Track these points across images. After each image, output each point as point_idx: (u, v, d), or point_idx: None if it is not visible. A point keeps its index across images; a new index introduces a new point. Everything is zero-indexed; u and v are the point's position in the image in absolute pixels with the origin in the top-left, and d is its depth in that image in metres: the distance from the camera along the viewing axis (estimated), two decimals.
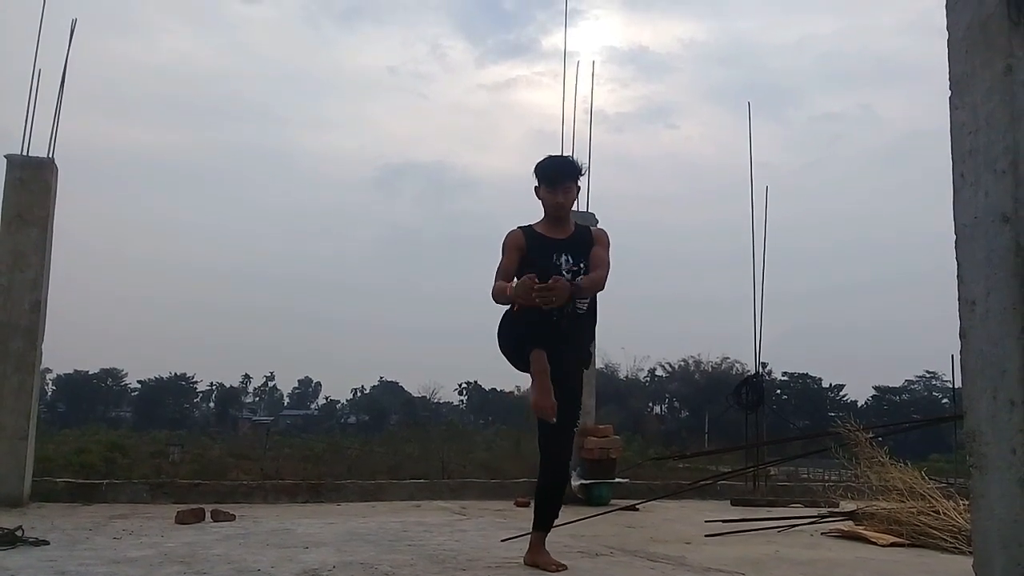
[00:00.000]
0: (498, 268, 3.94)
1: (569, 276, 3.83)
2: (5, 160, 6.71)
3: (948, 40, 2.53)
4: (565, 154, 4.25)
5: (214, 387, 77.64)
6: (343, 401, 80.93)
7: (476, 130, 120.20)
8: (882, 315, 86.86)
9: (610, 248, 4.09)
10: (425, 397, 67.61)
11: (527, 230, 4.05)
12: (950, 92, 2.52)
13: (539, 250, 3.94)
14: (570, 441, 4.19)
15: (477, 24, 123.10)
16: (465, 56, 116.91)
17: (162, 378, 75.17)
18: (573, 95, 8.85)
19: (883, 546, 5.13)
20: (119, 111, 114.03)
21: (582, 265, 3.92)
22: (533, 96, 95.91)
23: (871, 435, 6.42)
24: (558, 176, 3.99)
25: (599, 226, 4.42)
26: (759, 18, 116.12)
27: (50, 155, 6.84)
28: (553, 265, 3.88)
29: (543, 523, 4.04)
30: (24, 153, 6.75)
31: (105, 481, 7.59)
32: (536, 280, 3.56)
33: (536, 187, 4.06)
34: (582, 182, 4.09)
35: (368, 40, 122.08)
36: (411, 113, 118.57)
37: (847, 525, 5.92)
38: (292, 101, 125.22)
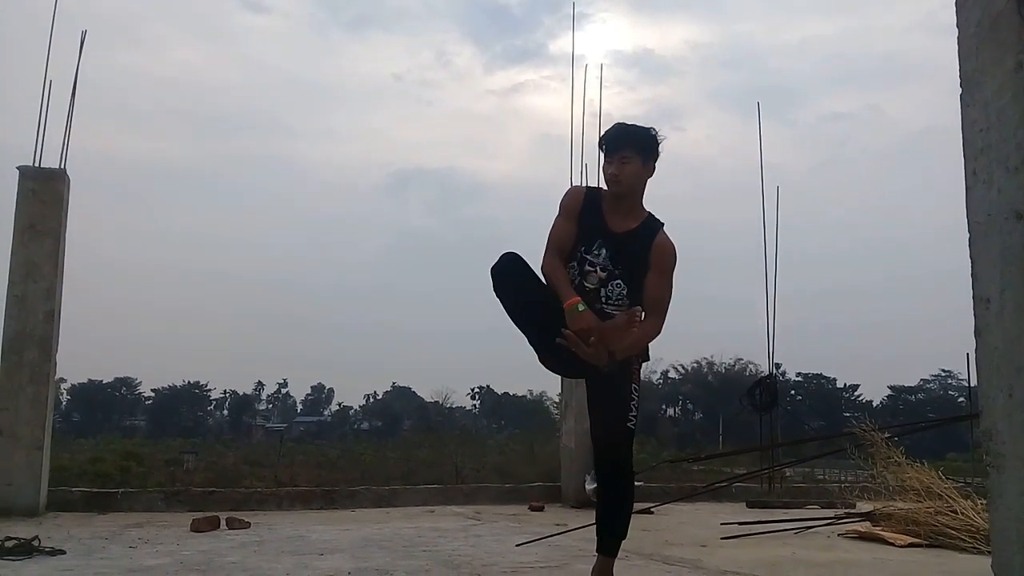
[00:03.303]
0: (551, 231, 3.26)
1: (598, 277, 3.19)
2: (18, 172, 6.76)
3: (958, 38, 2.52)
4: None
5: (227, 395, 78.02)
6: (356, 407, 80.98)
7: (485, 135, 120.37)
8: (896, 314, 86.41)
9: (673, 272, 3.27)
10: (438, 402, 67.67)
11: (591, 193, 3.35)
12: (961, 90, 2.50)
13: (584, 227, 3.24)
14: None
15: (485, 30, 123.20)
16: (472, 62, 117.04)
17: (176, 386, 75.52)
18: (581, 99, 8.85)
19: (900, 547, 5.10)
20: (130, 122, 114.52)
21: (618, 271, 3.19)
22: (541, 101, 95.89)
23: (887, 435, 6.39)
24: (612, 142, 3.28)
25: (664, 237, 3.31)
26: (763, 20, 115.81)
27: (62, 166, 6.88)
28: (586, 254, 3.22)
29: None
30: (36, 164, 6.79)
31: (120, 490, 7.62)
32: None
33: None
34: (655, 159, 3.30)
35: (375, 48, 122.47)
36: (420, 120, 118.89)
37: (864, 526, 5.88)
38: (301, 110, 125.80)
